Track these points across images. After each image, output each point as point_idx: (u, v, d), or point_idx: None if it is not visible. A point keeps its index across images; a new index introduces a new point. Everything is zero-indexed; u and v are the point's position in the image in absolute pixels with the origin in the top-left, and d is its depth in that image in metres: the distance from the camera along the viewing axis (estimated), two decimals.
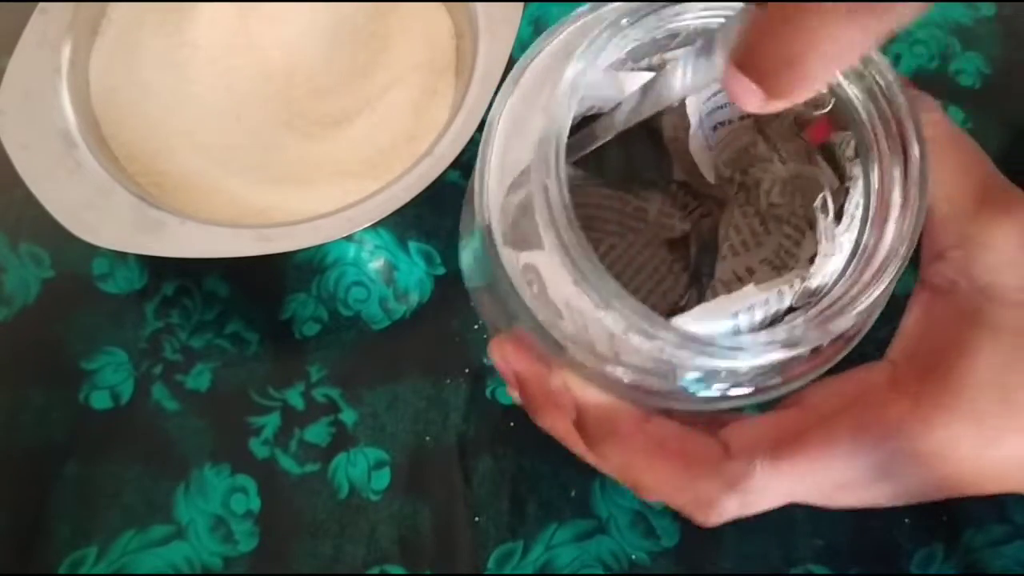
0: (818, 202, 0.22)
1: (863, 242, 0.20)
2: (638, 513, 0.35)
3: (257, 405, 0.37)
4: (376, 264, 0.39)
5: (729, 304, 0.20)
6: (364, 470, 0.36)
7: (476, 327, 0.38)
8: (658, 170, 0.28)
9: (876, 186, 0.20)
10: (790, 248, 0.24)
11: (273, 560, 0.35)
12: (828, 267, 0.20)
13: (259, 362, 0.38)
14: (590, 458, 0.22)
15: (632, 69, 0.23)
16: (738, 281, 0.26)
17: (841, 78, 0.21)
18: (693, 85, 0.19)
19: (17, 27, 0.36)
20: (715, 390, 0.20)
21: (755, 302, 0.20)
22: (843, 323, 0.19)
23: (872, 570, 0.34)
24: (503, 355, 0.22)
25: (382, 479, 0.36)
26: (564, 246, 0.18)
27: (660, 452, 0.20)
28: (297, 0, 0.39)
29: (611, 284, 0.18)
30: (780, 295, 0.21)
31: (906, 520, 0.35)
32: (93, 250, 0.35)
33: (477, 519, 0.35)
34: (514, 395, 0.23)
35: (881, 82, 0.20)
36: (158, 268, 0.39)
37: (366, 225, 0.33)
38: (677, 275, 0.28)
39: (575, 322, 0.19)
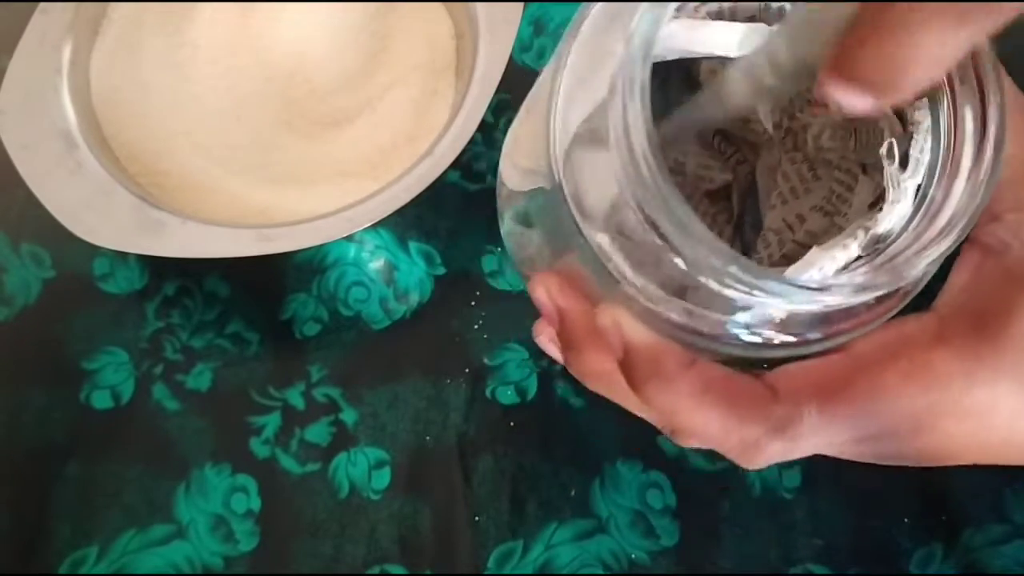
0: (884, 148, 0.21)
1: (931, 195, 0.19)
2: (638, 513, 0.35)
3: (258, 405, 0.37)
4: (376, 264, 0.39)
5: (797, 272, 0.20)
6: (364, 470, 0.36)
7: (476, 327, 0.38)
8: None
9: (945, 134, 0.20)
10: (842, 193, 0.23)
11: (273, 560, 0.35)
12: (895, 214, 0.20)
13: (260, 362, 0.38)
14: (631, 403, 0.22)
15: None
16: (788, 229, 0.25)
17: None
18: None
19: (17, 27, 0.36)
20: (763, 337, 0.20)
21: (823, 263, 0.20)
22: (914, 271, 0.18)
23: (871, 570, 0.34)
24: (547, 288, 0.21)
25: (382, 479, 0.36)
26: (648, 181, 0.17)
27: (707, 394, 0.20)
28: (298, 0, 0.39)
29: (697, 225, 0.17)
30: (846, 248, 0.20)
31: (905, 520, 0.35)
32: (94, 250, 0.35)
33: (477, 519, 0.35)
34: (543, 337, 0.23)
35: None
36: (159, 268, 0.39)
37: (366, 225, 0.33)
38: (721, 227, 0.27)
39: (642, 258, 0.19)
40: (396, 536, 0.35)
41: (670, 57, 0.22)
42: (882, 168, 0.22)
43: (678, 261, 0.18)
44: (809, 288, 0.18)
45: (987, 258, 0.21)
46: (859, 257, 0.20)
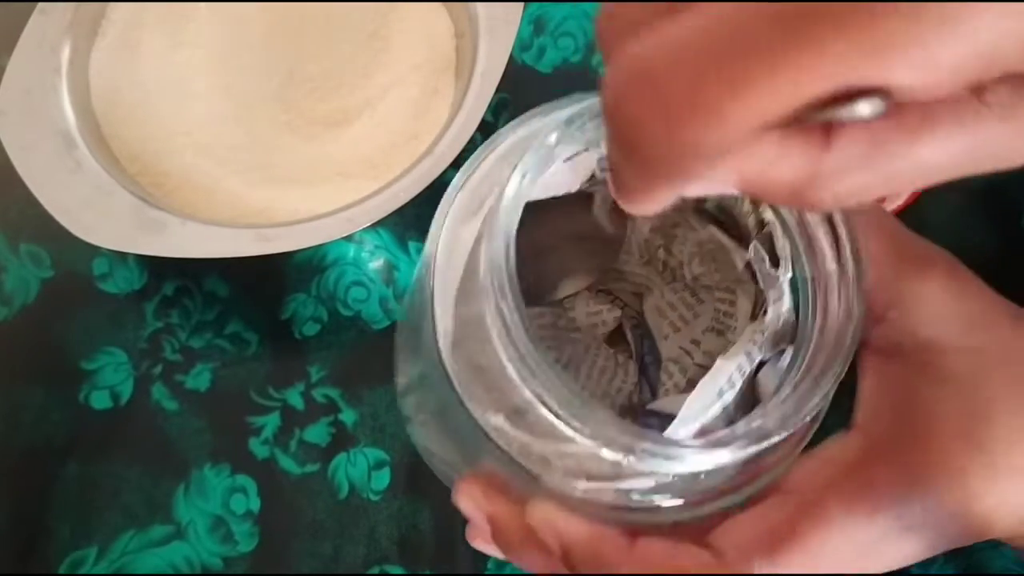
0: (750, 253, 0.22)
1: (807, 328, 0.20)
2: None
3: (257, 405, 0.37)
4: (376, 264, 0.39)
5: (712, 385, 0.20)
6: (364, 470, 0.36)
7: None
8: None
9: (795, 225, 0.20)
10: (727, 310, 0.24)
11: (273, 560, 0.35)
12: (781, 309, 0.21)
13: (259, 362, 0.38)
14: None
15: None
16: (687, 355, 0.26)
17: None
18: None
19: (17, 27, 0.36)
20: (693, 496, 0.20)
21: (731, 372, 0.20)
22: (813, 402, 0.19)
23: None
24: (472, 498, 0.21)
25: (382, 479, 0.36)
26: (528, 368, 0.18)
27: (650, 570, 0.19)
28: (298, 0, 0.39)
29: (599, 410, 0.18)
30: (749, 355, 0.21)
31: None
32: (93, 250, 0.35)
33: None
34: (479, 541, 0.22)
35: None
36: (158, 268, 0.39)
37: (366, 225, 0.33)
38: (624, 366, 0.28)
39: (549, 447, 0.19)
40: (396, 537, 0.35)
41: (533, 198, 0.22)
42: (748, 281, 0.22)
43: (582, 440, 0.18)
44: (713, 446, 0.18)
45: (886, 361, 0.21)
46: (763, 363, 0.21)
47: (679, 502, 0.20)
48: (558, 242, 0.27)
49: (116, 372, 0.38)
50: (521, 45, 0.43)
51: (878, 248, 0.20)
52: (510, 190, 0.19)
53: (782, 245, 0.21)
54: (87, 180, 0.34)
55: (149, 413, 0.37)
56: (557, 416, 0.18)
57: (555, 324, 0.28)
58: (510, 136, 0.22)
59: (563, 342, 0.28)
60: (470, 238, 0.20)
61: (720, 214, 0.24)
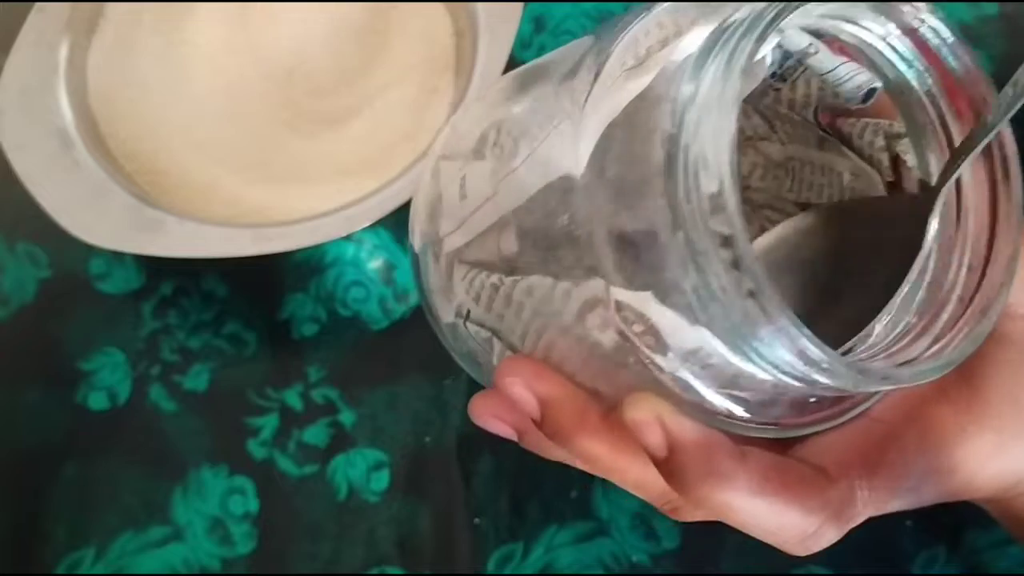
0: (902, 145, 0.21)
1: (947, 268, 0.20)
2: (639, 515, 0.35)
3: (255, 406, 0.37)
4: (375, 264, 0.39)
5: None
6: (363, 471, 0.36)
7: None
8: None
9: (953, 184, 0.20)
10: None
11: (271, 562, 0.35)
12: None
13: (257, 362, 0.38)
14: (629, 483, 0.20)
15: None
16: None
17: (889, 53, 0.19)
18: None
19: (14, 25, 0.36)
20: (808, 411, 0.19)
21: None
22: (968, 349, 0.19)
23: (874, 572, 0.34)
24: (522, 376, 0.19)
25: (381, 480, 0.36)
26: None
27: (764, 489, 0.18)
28: (298, 1, 0.39)
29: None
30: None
31: (908, 522, 0.34)
32: (90, 250, 0.35)
33: (477, 520, 0.35)
34: (487, 415, 0.20)
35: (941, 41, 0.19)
36: (156, 268, 0.39)
37: (365, 225, 0.33)
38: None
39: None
40: (395, 538, 0.35)
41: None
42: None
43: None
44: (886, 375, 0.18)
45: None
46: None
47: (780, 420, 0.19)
48: None
49: (114, 372, 0.37)
50: (522, 43, 0.42)
51: None
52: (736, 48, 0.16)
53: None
54: (85, 179, 0.34)
55: (147, 414, 0.37)
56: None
57: None
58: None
59: None
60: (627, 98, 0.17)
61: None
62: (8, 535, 0.35)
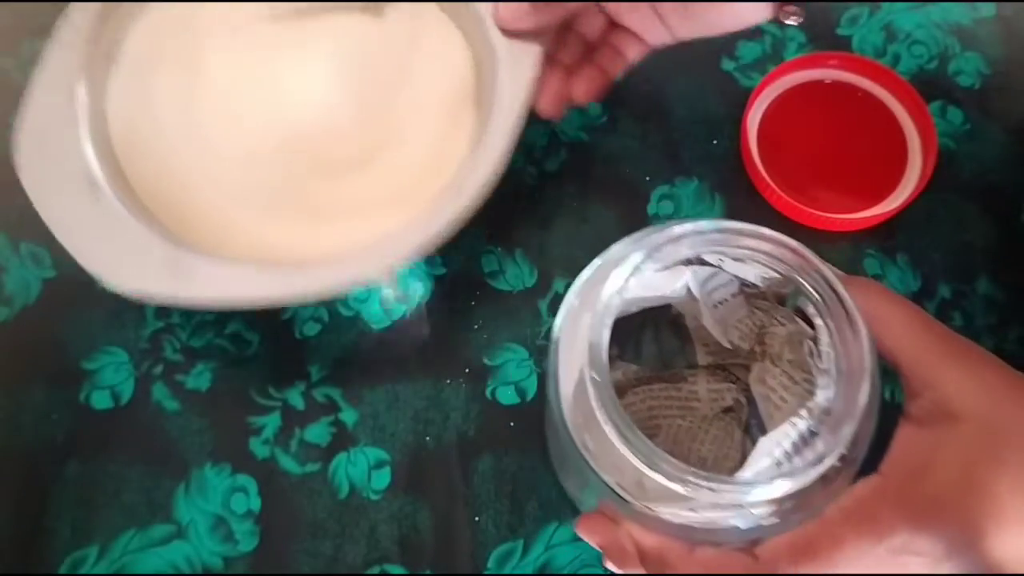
0: (806, 349, 0.28)
1: (832, 399, 0.26)
2: None
3: (257, 405, 0.37)
4: None
5: (766, 446, 0.26)
6: (364, 470, 0.36)
7: (476, 327, 0.38)
8: (683, 355, 0.35)
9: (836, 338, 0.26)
10: (813, 389, 0.28)
11: (273, 560, 0.35)
12: (828, 392, 0.26)
13: (259, 362, 0.38)
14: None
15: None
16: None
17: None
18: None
19: (15, 25, 0.36)
20: (751, 521, 0.25)
21: (780, 437, 0.26)
22: (847, 432, 0.25)
23: None
24: (592, 532, 0.28)
25: (382, 479, 0.36)
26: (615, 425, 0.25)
27: (707, 568, 0.26)
28: (315, 39, 0.38)
29: (654, 450, 0.25)
30: (794, 425, 0.26)
31: None
32: None
33: (477, 519, 0.35)
34: (589, 534, 0.29)
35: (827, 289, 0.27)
36: None
37: (401, 264, 0.32)
38: (733, 435, 0.34)
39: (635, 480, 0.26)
40: (396, 536, 0.35)
41: (635, 309, 0.30)
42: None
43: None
44: (761, 483, 0.24)
45: (918, 429, 0.26)
46: (814, 433, 0.26)
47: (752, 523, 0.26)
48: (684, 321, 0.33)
49: (117, 372, 0.38)
50: None
51: (916, 336, 0.26)
52: (608, 287, 0.26)
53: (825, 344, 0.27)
54: (113, 227, 0.33)
55: (150, 413, 0.37)
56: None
57: (678, 396, 0.34)
58: (619, 249, 0.28)
59: (685, 412, 0.34)
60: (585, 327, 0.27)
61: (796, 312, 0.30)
62: (12, 533, 0.35)
